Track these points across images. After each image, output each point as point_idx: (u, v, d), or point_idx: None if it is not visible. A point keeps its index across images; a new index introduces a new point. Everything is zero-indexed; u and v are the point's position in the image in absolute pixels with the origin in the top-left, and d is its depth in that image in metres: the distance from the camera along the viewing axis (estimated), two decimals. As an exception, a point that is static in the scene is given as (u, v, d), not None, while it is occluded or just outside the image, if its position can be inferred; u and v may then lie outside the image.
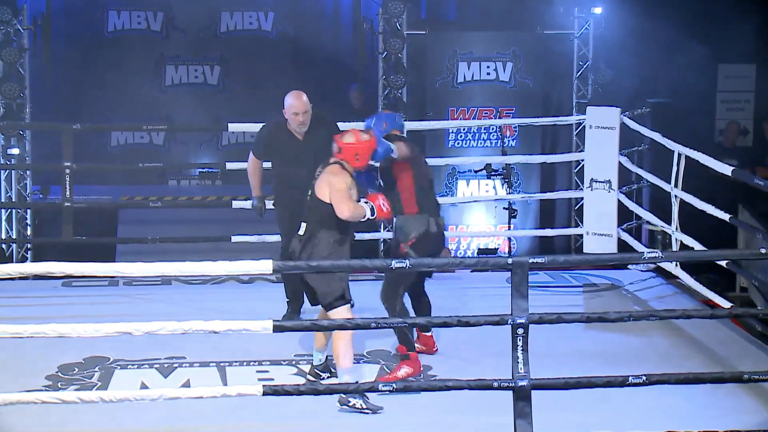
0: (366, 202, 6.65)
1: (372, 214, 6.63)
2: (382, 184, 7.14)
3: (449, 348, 7.48)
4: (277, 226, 8.18)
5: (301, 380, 6.90)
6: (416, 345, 7.28)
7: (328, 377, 6.85)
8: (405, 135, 7.42)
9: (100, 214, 11.10)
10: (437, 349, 7.40)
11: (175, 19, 14.02)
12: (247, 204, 9.65)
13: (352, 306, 6.55)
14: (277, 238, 9.43)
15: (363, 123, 7.27)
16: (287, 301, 8.09)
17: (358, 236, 9.71)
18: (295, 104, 7.75)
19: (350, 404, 6.38)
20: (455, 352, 7.41)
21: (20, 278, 8.90)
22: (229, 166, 9.83)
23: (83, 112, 12.71)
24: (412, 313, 7.26)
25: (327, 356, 6.88)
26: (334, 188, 6.55)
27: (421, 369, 7.05)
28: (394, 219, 7.15)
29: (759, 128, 12.93)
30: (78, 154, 9.74)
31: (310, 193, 6.66)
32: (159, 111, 13.63)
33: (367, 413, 6.36)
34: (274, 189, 8.06)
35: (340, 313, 6.50)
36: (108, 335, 5.62)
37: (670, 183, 8.42)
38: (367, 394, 6.35)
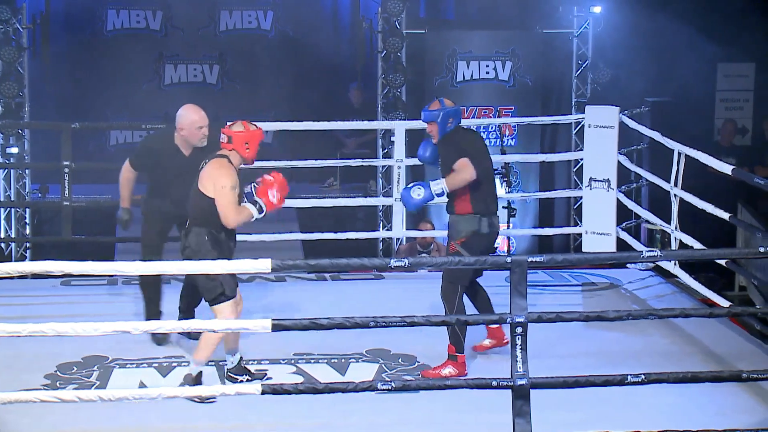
0: (255, 201, 6.55)
1: (260, 213, 6.56)
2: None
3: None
4: (141, 235, 7.82)
5: (300, 379, 6.90)
6: (486, 340, 7.24)
7: (247, 380, 6.75)
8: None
9: (99, 213, 11.09)
10: (508, 341, 7.13)
11: (174, 18, 14.03)
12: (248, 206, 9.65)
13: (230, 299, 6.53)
14: (274, 236, 9.46)
15: (421, 114, 7.10)
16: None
17: (356, 235, 9.73)
18: (198, 118, 7.29)
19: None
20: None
21: (19, 277, 8.90)
22: (228, 165, 9.80)
23: (82, 111, 12.73)
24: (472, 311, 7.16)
25: (240, 357, 6.83)
26: (218, 190, 6.48)
27: (466, 372, 6.92)
28: (448, 216, 7.04)
29: (758, 127, 12.94)
30: (77, 153, 9.74)
31: (194, 185, 6.60)
32: (158, 110, 13.63)
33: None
34: (145, 200, 7.71)
35: (223, 309, 6.50)
36: (107, 334, 5.62)
37: (669, 182, 8.42)
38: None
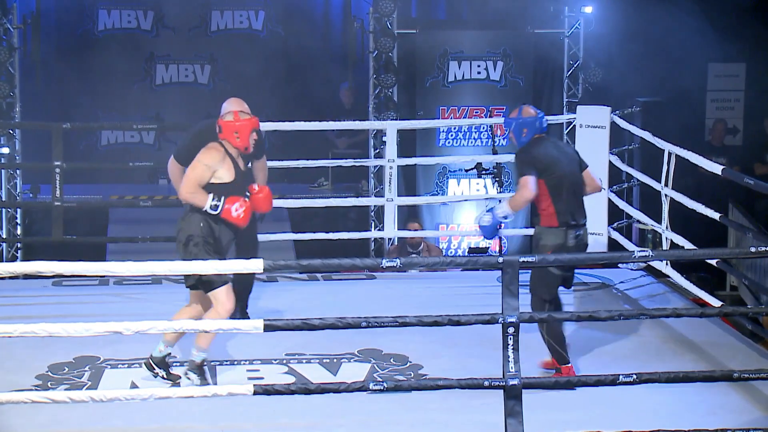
0: (220, 199, 6.52)
1: (213, 210, 6.53)
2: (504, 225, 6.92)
3: (441, 347, 7.47)
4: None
5: (292, 379, 6.89)
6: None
7: (162, 377, 6.71)
8: (546, 133, 7.00)
9: (91, 214, 11.09)
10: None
11: (165, 18, 14.03)
12: (209, 196, 9.61)
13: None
14: (266, 237, 9.45)
15: (503, 122, 6.94)
16: None
17: (348, 235, 9.71)
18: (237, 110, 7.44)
19: (154, 372, 6.64)
20: (447, 352, 7.40)
21: (10, 277, 8.89)
22: (220, 165, 9.79)
23: (73, 111, 12.73)
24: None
25: (169, 354, 6.79)
26: (192, 163, 6.60)
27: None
28: (534, 228, 6.88)
29: (749, 127, 12.97)
30: (68, 154, 9.72)
31: None
32: (149, 110, 13.64)
33: (167, 383, 6.57)
34: None
35: (220, 294, 6.49)
36: (98, 335, 5.61)
37: (660, 182, 8.43)
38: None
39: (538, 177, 6.71)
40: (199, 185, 6.57)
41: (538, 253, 6.75)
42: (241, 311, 7.72)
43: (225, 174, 6.61)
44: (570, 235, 6.74)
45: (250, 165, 7.03)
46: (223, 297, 6.49)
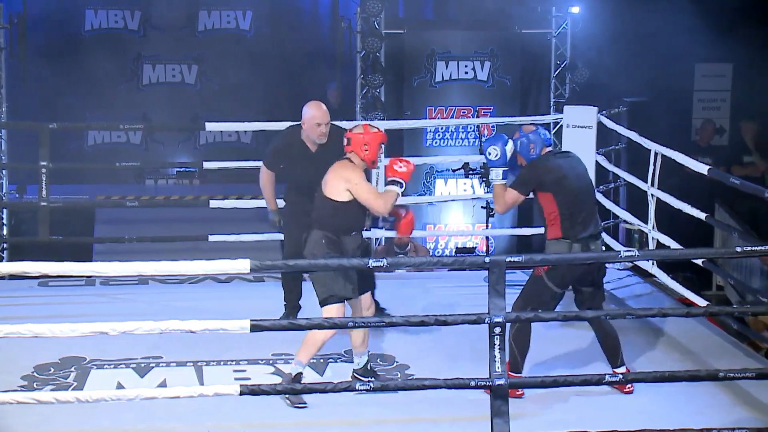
0: (392, 180, 6.56)
1: (401, 187, 6.56)
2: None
3: (428, 347, 7.48)
4: (284, 233, 7.97)
5: (278, 379, 6.89)
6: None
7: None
8: (553, 146, 6.88)
9: (77, 214, 11.06)
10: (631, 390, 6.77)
11: (153, 18, 14.01)
12: (225, 204, 9.65)
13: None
14: (253, 237, 9.45)
15: (511, 142, 6.76)
16: (284, 303, 8.02)
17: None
18: (318, 115, 7.41)
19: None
20: (434, 352, 7.41)
21: (-4, 278, 8.87)
22: (207, 165, 9.79)
23: (60, 112, 12.70)
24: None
25: (368, 360, 6.81)
26: (355, 185, 6.51)
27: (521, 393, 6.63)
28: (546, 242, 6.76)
29: (735, 127, 13.01)
30: (55, 154, 9.69)
31: (318, 189, 6.65)
32: (136, 110, 13.62)
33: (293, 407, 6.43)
34: (285, 197, 7.84)
35: (329, 311, 6.52)
36: (84, 335, 5.59)
37: (646, 182, 8.45)
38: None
39: (547, 190, 6.62)
40: (377, 192, 6.57)
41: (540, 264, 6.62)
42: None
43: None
44: (576, 249, 6.62)
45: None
46: (333, 313, 6.51)
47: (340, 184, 6.54)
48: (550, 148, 6.75)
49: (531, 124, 6.95)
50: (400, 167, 6.59)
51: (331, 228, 6.59)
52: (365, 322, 6.46)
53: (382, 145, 6.67)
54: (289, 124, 7.88)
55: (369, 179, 6.72)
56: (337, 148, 6.96)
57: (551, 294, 6.63)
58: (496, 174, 6.72)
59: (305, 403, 6.42)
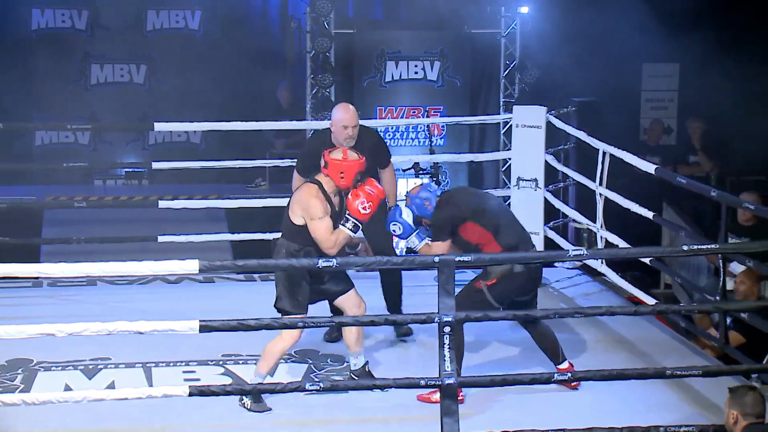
0: (348, 218, 6.41)
1: (355, 231, 6.43)
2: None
3: (379, 347, 7.48)
4: None
5: (228, 380, 6.86)
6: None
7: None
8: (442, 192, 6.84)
9: (25, 215, 10.94)
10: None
11: (101, 18, 13.91)
12: (174, 204, 9.58)
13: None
14: (202, 237, 9.41)
15: (406, 209, 6.77)
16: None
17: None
18: (345, 117, 7.22)
19: (241, 402, 6.41)
20: (385, 351, 7.41)
21: (-58, 280, 8.77)
22: (156, 165, 9.73)
23: (7, 111, 12.55)
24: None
25: (366, 362, 6.76)
26: (311, 219, 6.39)
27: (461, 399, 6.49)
28: None
29: (682, 127, 13.11)
30: (1, 154, 9.62)
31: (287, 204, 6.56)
32: (84, 110, 13.51)
33: (254, 412, 6.36)
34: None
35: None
36: (31, 337, 5.55)
37: (595, 181, 8.50)
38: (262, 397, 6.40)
39: (465, 222, 6.65)
40: (330, 232, 6.40)
41: (482, 278, 6.67)
42: (394, 307, 7.73)
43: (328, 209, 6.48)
44: (517, 265, 6.62)
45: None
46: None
47: (299, 211, 6.47)
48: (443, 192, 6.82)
49: (415, 186, 6.91)
50: (365, 209, 6.40)
51: (299, 241, 6.52)
52: (315, 322, 6.43)
53: (359, 174, 6.46)
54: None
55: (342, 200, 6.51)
56: (365, 149, 6.80)
57: (489, 308, 6.61)
58: (412, 242, 6.79)
59: (270, 408, 6.40)
